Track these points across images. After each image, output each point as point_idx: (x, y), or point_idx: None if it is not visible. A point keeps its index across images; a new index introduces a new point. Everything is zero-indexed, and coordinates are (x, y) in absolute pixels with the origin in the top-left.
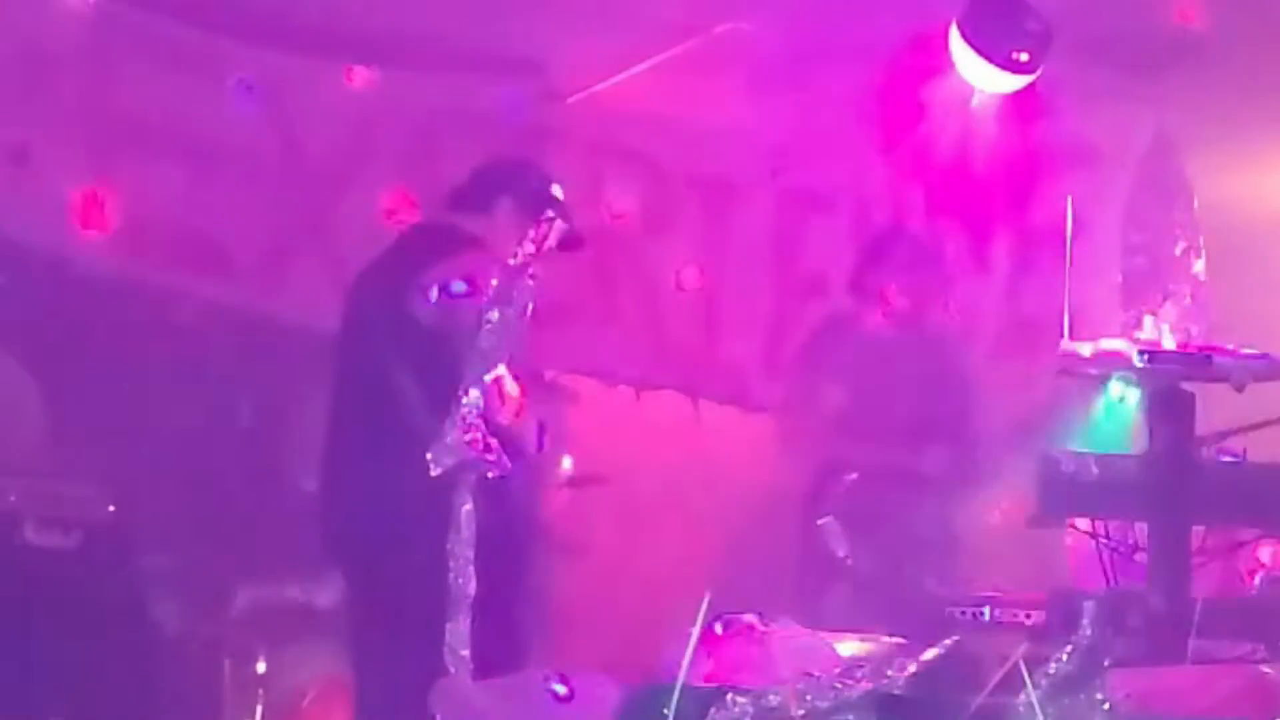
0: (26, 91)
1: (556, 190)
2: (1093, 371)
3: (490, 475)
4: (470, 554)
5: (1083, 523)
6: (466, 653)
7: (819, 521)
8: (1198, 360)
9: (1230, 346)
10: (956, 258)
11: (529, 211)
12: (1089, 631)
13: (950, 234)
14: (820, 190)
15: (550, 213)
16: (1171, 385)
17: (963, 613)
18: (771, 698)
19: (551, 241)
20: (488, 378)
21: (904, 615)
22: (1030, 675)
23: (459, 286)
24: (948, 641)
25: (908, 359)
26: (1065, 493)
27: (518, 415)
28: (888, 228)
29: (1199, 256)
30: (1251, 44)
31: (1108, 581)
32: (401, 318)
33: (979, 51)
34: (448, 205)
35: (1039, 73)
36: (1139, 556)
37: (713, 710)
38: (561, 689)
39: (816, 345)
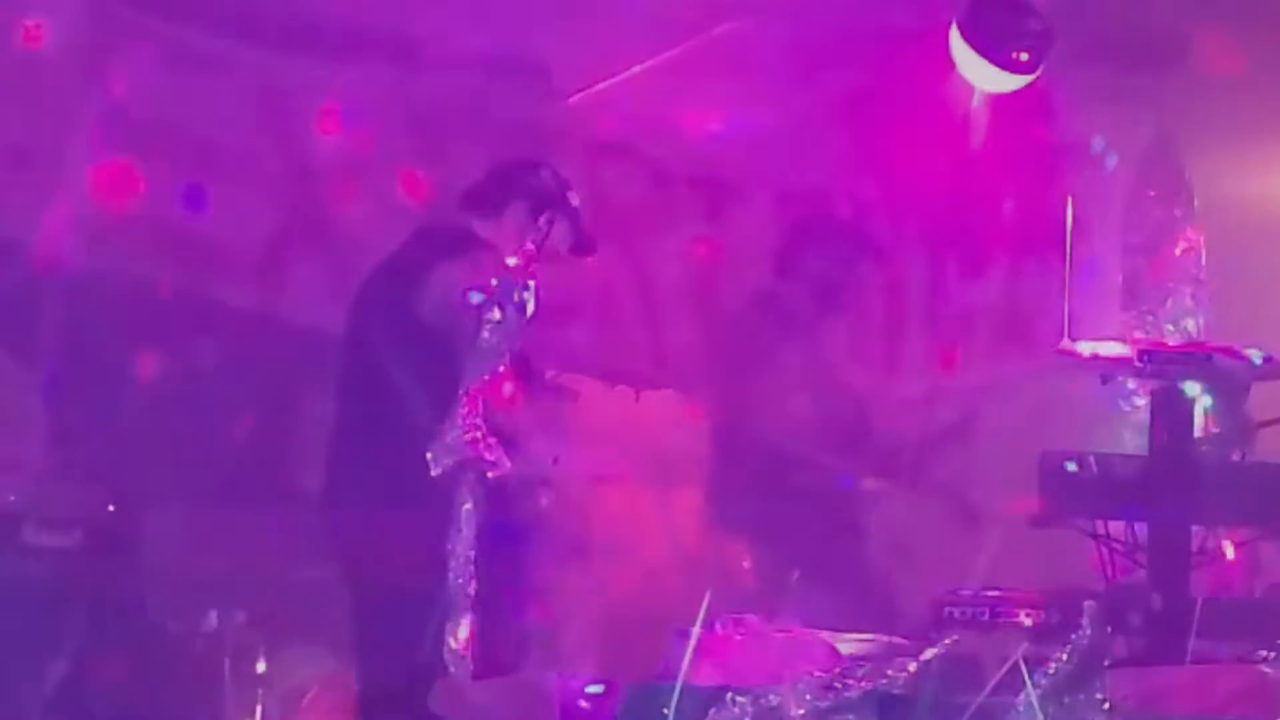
0: (27, 92)
1: (572, 197)
2: (1093, 372)
3: (490, 475)
4: (470, 554)
5: None
6: (466, 653)
7: None
8: (1198, 360)
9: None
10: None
11: (540, 215)
12: (1089, 631)
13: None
14: (820, 190)
15: (550, 214)
16: (1171, 385)
17: (963, 613)
18: (771, 698)
19: (558, 243)
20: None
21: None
22: (1030, 675)
23: (477, 298)
24: (947, 641)
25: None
26: (1066, 492)
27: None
28: (817, 214)
29: (1199, 256)
30: (1252, 44)
31: (1107, 580)
32: (407, 318)
33: (979, 51)
34: (459, 206)
35: (1039, 73)
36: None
37: (713, 710)
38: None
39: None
